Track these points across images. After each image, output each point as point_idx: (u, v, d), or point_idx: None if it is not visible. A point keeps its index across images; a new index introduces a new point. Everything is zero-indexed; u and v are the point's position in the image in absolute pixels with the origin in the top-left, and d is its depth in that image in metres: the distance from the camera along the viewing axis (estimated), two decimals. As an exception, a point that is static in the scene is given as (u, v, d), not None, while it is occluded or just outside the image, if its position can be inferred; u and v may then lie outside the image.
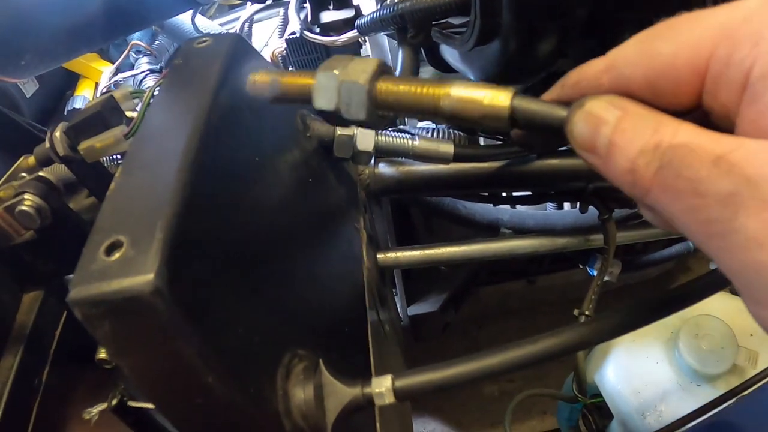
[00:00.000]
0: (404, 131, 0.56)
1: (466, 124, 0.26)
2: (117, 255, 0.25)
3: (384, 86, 0.27)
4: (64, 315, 0.63)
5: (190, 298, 0.26)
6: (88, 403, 0.66)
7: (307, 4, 0.61)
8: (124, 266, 0.24)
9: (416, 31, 0.52)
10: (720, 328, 0.53)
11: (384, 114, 0.28)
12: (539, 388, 0.65)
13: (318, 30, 0.63)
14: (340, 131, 0.48)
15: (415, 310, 0.87)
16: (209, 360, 0.26)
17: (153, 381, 0.26)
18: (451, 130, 0.59)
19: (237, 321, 0.29)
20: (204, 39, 0.41)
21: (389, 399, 0.30)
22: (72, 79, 1.05)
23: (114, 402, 0.38)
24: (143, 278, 0.24)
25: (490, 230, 0.73)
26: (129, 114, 0.45)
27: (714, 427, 0.49)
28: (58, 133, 0.45)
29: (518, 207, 0.79)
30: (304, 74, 0.31)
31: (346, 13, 0.61)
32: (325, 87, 0.29)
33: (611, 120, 0.21)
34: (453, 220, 0.75)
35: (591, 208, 0.69)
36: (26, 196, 0.40)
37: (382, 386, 0.30)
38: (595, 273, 0.79)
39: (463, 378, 0.31)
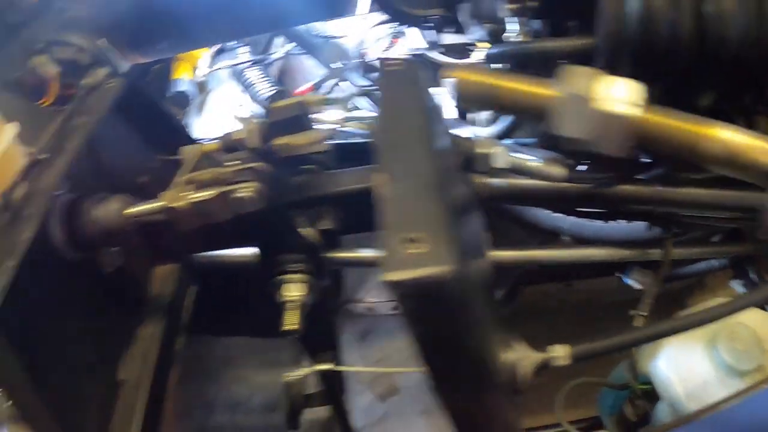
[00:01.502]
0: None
1: (730, 173, 0.23)
2: (416, 249, 0.34)
3: (653, 119, 0.22)
4: (197, 289, 0.69)
5: (463, 283, 0.35)
6: (215, 372, 0.73)
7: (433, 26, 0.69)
8: (428, 257, 0.33)
9: (536, 70, 0.61)
10: (750, 334, 0.66)
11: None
12: (588, 377, 0.76)
13: (443, 50, 0.71)
14: (479, 149, 0.57)
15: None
16: (471, 329, 0.35)
17: (431, 344, 0.35)
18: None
19: (477, 299, 0.38)
20: (396, 62, 0.50)
21: (566, 361, 0.41)
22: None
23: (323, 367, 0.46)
24: (445, 268, 0.33)
25: (551, 235, 0.84)
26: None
27: (739, 410, 0.61)
28: (253, 127, 0.53)
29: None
30: (533, 84, 0.25)
31: (466, 38, 0.70)
32: (571, 112, 0.24)
33: None
34: (518, 224, 0.85)
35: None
36: (248, 183, 0.47)
37: (563, 352, 0.40)
38: (629, 281, 0.92)
39: (616, 346, 0.42)
